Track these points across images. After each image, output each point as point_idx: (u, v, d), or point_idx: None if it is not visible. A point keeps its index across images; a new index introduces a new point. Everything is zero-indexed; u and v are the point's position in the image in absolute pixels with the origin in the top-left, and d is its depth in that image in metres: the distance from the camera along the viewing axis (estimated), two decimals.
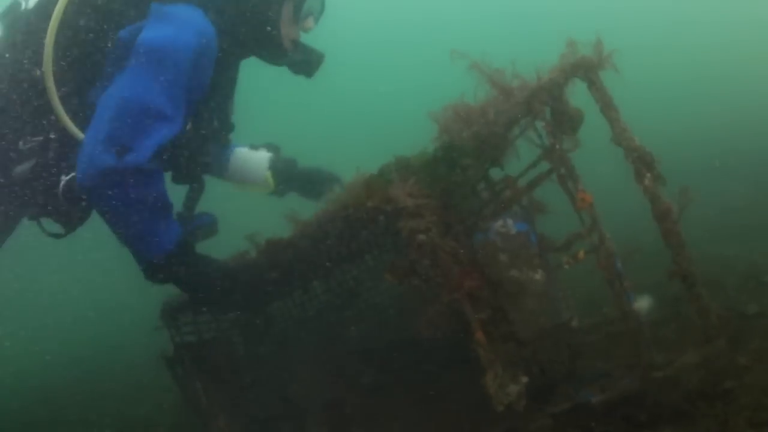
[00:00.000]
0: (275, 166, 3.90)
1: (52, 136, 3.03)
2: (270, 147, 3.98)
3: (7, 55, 3.13)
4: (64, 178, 3.01)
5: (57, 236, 3.30)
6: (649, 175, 2.30)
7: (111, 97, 2.83)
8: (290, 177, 3.96)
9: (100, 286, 11.14)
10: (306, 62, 3.50)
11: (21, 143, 3.06)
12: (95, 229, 3.10)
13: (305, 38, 3.56)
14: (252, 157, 3.91)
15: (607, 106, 2.40)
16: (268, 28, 3.30)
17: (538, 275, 2.54)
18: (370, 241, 3.49)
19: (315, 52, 3.51)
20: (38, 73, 2.96)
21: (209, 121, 3.33)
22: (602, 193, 2.41)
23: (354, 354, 3.57)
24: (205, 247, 3.24)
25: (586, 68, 2.43)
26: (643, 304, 2.28)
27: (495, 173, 2.72)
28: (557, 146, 2.50)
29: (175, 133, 2.88)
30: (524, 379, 2.34)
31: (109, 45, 3.03)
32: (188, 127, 3.13)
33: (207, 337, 3.54)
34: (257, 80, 4.53)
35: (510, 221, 2.65)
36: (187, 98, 2.94)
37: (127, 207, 2.80)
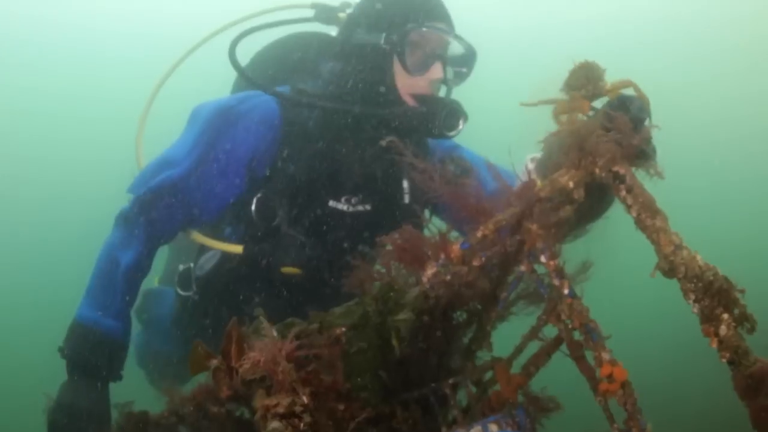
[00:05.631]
0: None
1: None
2: None
3: None
4: None
5: None
6: (726, 316, 1.22)
7: None
8: None
9: None
10: (426, 114, 2.56)
11: None
12: None
13: None
14: None
15: (646, 212, 1.39)
16: (382, 88, 2.61)
17: None
18: None
19: (441, 104, 2.60)
20: None
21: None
22: (646, 361, 1.32)
23: None
24: None
25: (610, 159, 1.47)
26: None
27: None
28: (566, 293, 1.47)
29: (175, 175, 2.66)
30: None
31: None
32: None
33: None
34: None
35: (494, 428, 1.54)
36: (206, 149, 2.67)
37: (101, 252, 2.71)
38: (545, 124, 1.64)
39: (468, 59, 2.73)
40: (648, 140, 1.53)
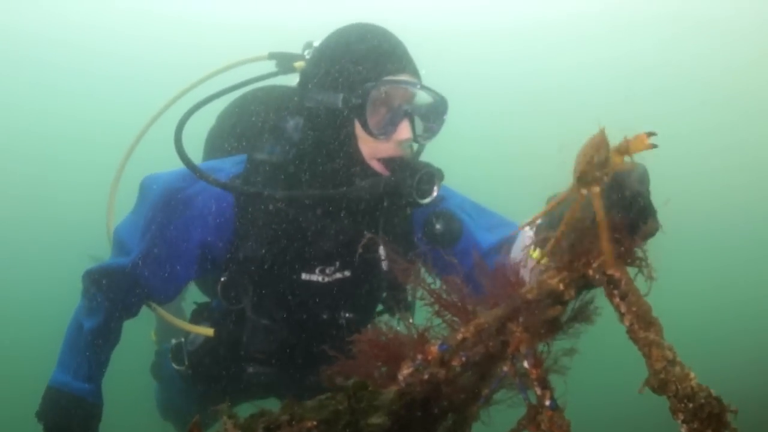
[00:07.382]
0: None
1: None
2: None
3: None
4: None
5: None
6: None
7: None
8: None
9: None
10: (396, 183, 2.31)
11: None
12: None
13: None
14: None
15: (640, 322, 1.33)
16: (345, 155, 2.36)
17: None
18: None
19: (412, 170, 2.32)
20: None
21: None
22: None
23: None
24: None
25: (604, 261, 1.41)
26: None
27: None
28: (547, 404, 1.39)
29: (120, 264, 2.59)
30: None
31: None
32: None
33: None
34: None
35: None
36: (154, 237, 2.53)
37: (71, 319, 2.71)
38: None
39: (439, 111, 2.43)
40: (652, 234, 1.47)
